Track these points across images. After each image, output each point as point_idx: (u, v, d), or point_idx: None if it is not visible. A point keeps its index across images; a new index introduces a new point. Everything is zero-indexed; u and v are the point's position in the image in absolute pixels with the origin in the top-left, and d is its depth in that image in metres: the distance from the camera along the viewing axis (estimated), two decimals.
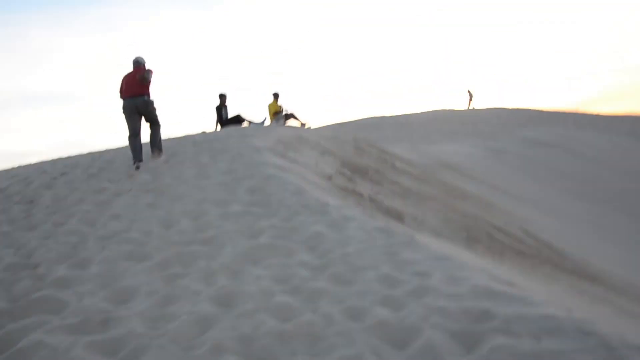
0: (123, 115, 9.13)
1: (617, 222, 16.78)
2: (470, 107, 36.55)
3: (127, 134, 9.13)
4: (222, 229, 5.75)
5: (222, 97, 14.90)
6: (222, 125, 14.82)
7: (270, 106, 16.02)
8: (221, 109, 14.95)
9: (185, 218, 6.25)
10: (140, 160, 9.12)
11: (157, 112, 9.41)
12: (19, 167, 11.90)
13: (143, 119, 9.27)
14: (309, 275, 4.50)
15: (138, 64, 9.31)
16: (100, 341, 3.62)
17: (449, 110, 35.53)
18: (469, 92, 37.12)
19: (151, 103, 9.19)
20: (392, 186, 10.15)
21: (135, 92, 9.00)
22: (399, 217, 7.55)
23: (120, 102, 9.12)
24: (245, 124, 14.61)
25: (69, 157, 11.92)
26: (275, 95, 16.02)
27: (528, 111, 33.18)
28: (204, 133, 14.42)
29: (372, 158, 12.58)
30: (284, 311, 3.87)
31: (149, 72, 9.02)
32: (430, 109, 36.37)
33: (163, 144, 9.73)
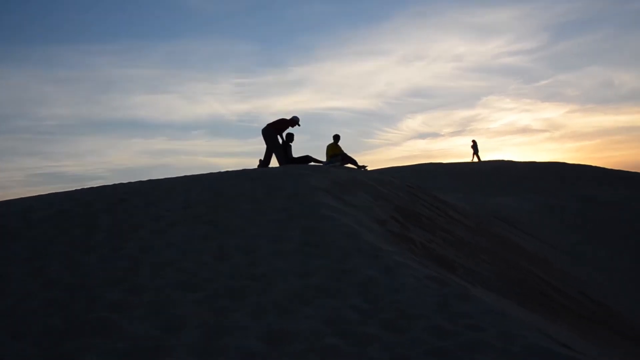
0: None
1: None
2: (474, 160, 35.11)
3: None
4: (274, 265, 5.77)
5: (290, 136, 15.09)
6: (287, 163, 14.93)
7: (329, 148, 16.05)
8: (286, 147, 15.10)
9: (238, 252, 6.30)
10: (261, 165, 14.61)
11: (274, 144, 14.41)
12: (82, 190, 12.26)
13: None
14: (359, 319, 4.46)
15: (293, 122, 14.76)
16: None
17: (507, 161, 34.87)
18: (473, 142, 35.97)
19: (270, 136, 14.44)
20: (444, 235, 10.01)
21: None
22: (450, 267, 7.43)
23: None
24: (312, 164, 14.66)
25: (130, 184, 12.22)
26: (336, 138, 16.07)
27: (591, 168, 32.31)
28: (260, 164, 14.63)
29: (426, 205, 12.47)
30: (333, 354, 3.83)
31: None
32: (487, 159, 35.87)
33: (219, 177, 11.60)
